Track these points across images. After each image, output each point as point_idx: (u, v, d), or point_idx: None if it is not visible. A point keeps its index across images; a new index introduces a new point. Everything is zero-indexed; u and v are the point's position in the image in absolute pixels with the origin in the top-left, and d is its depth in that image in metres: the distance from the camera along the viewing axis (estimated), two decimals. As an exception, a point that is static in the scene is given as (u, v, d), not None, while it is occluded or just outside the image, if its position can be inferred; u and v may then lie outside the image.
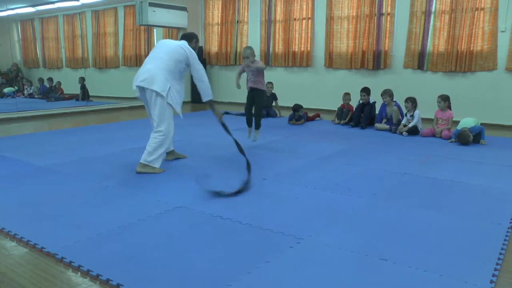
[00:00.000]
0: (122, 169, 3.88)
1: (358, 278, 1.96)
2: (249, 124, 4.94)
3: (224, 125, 4.11)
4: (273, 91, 7.50)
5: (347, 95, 6.75)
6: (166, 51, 3.82)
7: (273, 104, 7.53)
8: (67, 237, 2.38)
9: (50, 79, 10.43)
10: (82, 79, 9.73)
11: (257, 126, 4.88)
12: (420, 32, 7.21)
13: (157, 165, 3.75)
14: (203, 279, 1.94)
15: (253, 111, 4.89)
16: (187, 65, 3.88)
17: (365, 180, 3.59)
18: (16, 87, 10.24)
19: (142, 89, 3.77)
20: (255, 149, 4.75)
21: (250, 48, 4.85)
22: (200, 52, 9.72)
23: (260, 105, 4.89)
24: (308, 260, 2.12)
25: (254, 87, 4.85)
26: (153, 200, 3.01)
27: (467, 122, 5.24)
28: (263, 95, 4.97)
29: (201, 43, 10.04)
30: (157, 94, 3.66)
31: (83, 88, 9.67)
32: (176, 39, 9.80)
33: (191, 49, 3.91)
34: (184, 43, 3.93)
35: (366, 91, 6.40)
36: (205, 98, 3.96)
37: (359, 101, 6.52)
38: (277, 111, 7.53)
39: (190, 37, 4.06)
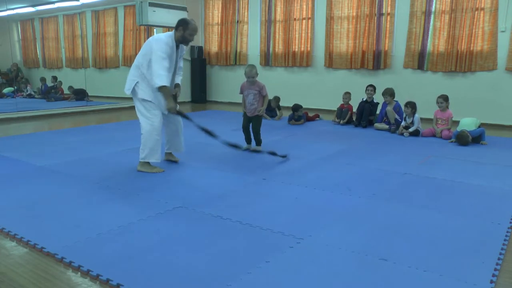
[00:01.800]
0: (122, 169, 3.88)
1: (358, 278, 1.96)
2: (247, 141, 4.75)
3: (182, 114, 3.92)
4: (279, 104, 7.40)
5: (346, 94, 6.76)
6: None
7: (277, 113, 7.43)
8: (67, 237, 2.38)
9: (54, 78, 10.41)
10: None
11: (258, 143, 4.70)
12: (420, 32, 7.21)
13: (152, 159, 3.75)
14: (203, 279, 1.94)
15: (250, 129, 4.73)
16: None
17: (365, 180, 3.59)
18: (15, 87, 10.24)
19: None
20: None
21: (254, 67, 4.56)
22: (200, 52, 9.72)
23: (258, 128, 4.66)
24: (308, 260, 2.12)
25: (253, 115, 4.63)
26: (153, 200, 3.01)
27: (467, 122, 5.24)
28: (261, 120, 4.70)
29: (201, 43, 10.04)
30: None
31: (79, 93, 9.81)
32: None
33: (159, 39, 3.56)
34: (163, 34, 3.68)
35: (373, 86, 6.47)
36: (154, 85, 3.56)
37: (362, 99, 6.54)
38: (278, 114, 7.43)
39: (176, 25, 3.66)
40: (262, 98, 4.62)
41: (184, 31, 3.64)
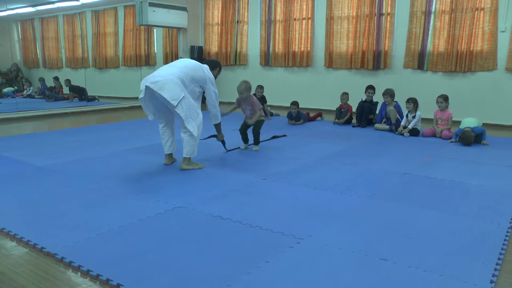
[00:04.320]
0: (122, 169, 3.88)
1: (358, 278, 1.96)
2: (244, 141, 4.83)
3: (223, 142, 4.53)
4: (263, 94, 7.44)
5: (344, 95, 6.75)
6: (183, 64, 3.83)
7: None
8: (67, 237, 2.38)
9: (56, 78, 10.40)
10: (68, 81, 9.95)
11: (256, 142, 4.76)
12: (420, 32, 7.21)
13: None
14: (203, 279, 1.94)
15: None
16: (201, 87, 3.88)
17: (365, 180, 3.59)
18: (15, 87, 10.24)
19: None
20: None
21: (245, 82, 4.53)
22: (200, 52, 9.72)
23: (258, 129, 4.71)
24: (308, 260, 2.12)
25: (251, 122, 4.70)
26: (153, 200, 3.01)
27: (469, 122, 5.21)
28: (261, 123, 4.73)
29: (201, 43, 10.04)
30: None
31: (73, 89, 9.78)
32: (176, 39, 9.91)
33: (210, 73, 3.96)
34: (206, 66, 3.96)
35: (373, 88, 6.47)
36: (214, 121, 4.14)
37: (361, 99, 6.55)
38: (266, 113, 7.41)
39: (214, 65, 4.13)
40: (255, 112, 4.65)
41: (218, 72, 4.21)
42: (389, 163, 4.18)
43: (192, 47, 9.67)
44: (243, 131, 4.78)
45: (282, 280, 1.93)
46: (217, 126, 4.29)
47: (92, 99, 9.60)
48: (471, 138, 5.00)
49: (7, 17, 9.52)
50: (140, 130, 6.03)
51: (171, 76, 3.64)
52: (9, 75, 10.25)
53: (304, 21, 8.52)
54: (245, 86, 4.50)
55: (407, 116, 5.85)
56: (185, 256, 2.16)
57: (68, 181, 3.51)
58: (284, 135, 4.81)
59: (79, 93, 9.64)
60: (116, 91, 10.33)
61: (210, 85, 3.91)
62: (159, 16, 8.72)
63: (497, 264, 2.10)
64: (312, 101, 8.33)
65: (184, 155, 3.83)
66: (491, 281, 1.93)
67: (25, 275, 2.00)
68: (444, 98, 5.65)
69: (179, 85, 3.62)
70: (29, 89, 10.52)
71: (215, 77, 4.09)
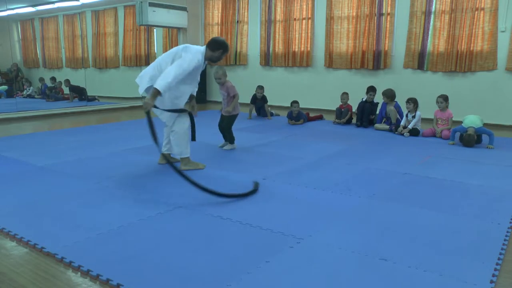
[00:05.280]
0: (122, 169, 3.88)
1: (358, 278, 1.96)
2: (224, 139, 4.85)
3: (149, 119, 3.43)
4: (264, 94, 7.42)
5: (344, 95, 6.74)
6: (162, 56, 3.77)
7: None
8: (67, 237, 2.38)
9: (53, 79, 10.41)
10: (67, 81, 9.93)
11: (230, 141, 4.75)
12: (420, 32, 7.21)
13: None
14: (203, 279, 1.94)
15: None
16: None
17: (365, 180, 3.59)
18: (7, 86, 10.16)
19: None
20: (255, 148, 4.75)
21: (221, 68, 4.54)
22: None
23: (227, 126, 4.70)
24: (308, 260, 2.12)
25: (225, 115, 4.73)
26: (153, 200, 3.01)
27: (472, 121, 5.13)
28: (232, 119, 4.73)
29: (201, 43, 10.04)
30: None
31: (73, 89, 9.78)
32: (176, 39, 9.91)
33: (192, 51, 3.55)
34: (190, 46, 3.64)
35: (373, 90, 6.48)
36: (155, 84, 3.39)
37: (362, 99, 6.54)
38: (267, 112, 7.43)
39: (215, 46, 3.70)
40: (231, 99, 4.68)
41: (221, 54, 3.73)
42: (389, 163, 4.18)
43: (192, 47, 9.66)
44: (220, 126, 4.81)
45: (282, 280, 1.93)
46: (153, 91, 3.36)
47: (92, 99, 9.59)
48: (473, 142, 4.98)
49: (7, 17, 9.51)
50: (140, 130, 6.02)
51: (148, 69, 3.73)
52: (9, 75, 10.24)
53: (304, 21, 8.52)
54: (222, 72, 4.57)
55: (407, 116, 5.85)
56: (185, 256, 2.16)
57: (68, 181, 3.51)
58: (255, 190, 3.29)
59: (79, 93, 9.64)
60: (116, 91, 10.33)
61: (177, 59, 3.50)
62: (159, 16, 8.72)
63: (497, 264, 2.10)
64: (312, 101, 8.33)
65: (179, 157, 3.83)
66: (491, 281, 1.93)
67: (25, 275, 2.00)
68: (444, 98, 5.65)
69: (149, 75, 3.66)
70: (29, 89, 10.52)
71: (217, 58, 3.74)
